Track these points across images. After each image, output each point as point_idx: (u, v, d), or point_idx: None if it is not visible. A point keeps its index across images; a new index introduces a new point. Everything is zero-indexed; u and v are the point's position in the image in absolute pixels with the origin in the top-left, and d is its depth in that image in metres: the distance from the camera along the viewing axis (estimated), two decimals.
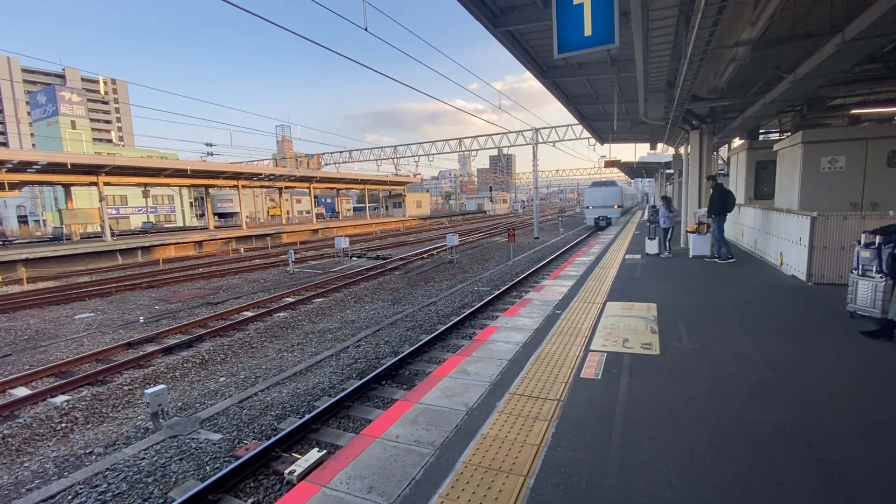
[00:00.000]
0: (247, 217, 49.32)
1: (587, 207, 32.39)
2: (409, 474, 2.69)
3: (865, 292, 5.10)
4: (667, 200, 11.88)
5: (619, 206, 31.32)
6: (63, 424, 6.07)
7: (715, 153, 17.07)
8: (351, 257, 21.54)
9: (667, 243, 11.25)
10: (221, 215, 60.30)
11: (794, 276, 7.70)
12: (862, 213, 7.16)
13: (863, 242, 5.15)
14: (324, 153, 57.23)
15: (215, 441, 5.39)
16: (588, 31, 4.85)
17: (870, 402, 3.37)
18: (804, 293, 6.77)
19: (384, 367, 7.02)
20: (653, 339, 4.87)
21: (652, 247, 11.45)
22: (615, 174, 51.12)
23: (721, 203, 9.88)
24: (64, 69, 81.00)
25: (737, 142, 16.68)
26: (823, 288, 6.89)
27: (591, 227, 31.62)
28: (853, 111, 11.71)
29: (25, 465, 5.21)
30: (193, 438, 5.46)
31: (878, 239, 4.93)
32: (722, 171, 18.16)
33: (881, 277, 4.90)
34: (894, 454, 2.69)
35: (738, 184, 14.10)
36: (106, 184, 26.25)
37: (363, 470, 2.76)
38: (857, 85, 9.67)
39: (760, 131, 15.13)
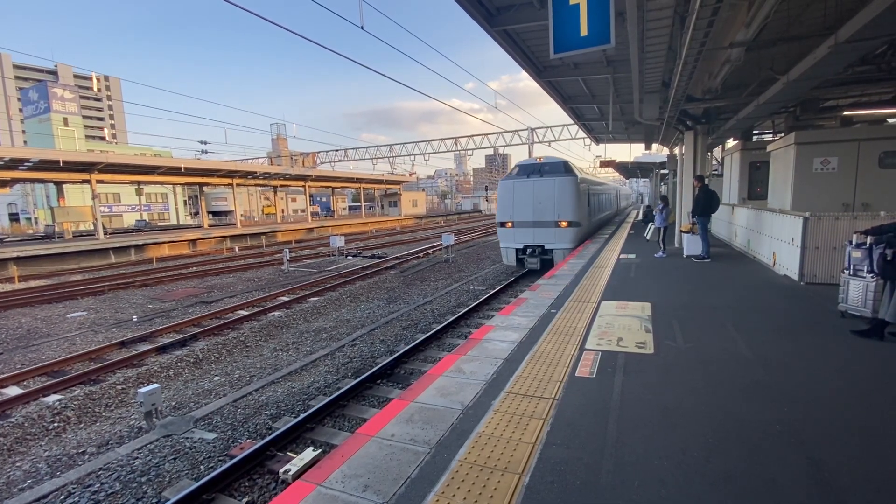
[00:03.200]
0: (241, 215, 49.08)
1: (501, 225, 14.37)
2: (404, 473, 2.69)
3: (856, 292, 5.15)
4: (664, 200, 11.99)
5: (570, 223, 13.32)
6: (55, 424, 6.03)
7: (709, 154, 17.18)
8: (346, 256, 21.49)
9: (661, 243, 11.32)
10: (216, 214, 59.96)
11: (787, 276, 7.76)
12: (853, 214, 7.23)
13: (854, 243, 5.20)
14: (319, 152, 57.05)
15: (209, 440, 5.37)
16: (584, 32, 4.87)
17: (861, 400, 3.41)
18: (796, 293, 6.83)
19: (379, 366, 7.02)
20: (647, 338, 4.90)
21: (649, 233, 12.07)
22: (611, 174, 49.23)
23: (705, 204, 9.98)
24: (56, 66, 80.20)
25: (731, 142, 16.79)
26: (815, 288, 6.95)
27: (514, 267, 14.84)
28: (846, 113, 11.83)
29: (17, 464, 5.17)
30: (187, 438, 5.44)
31: (869, 239, 4.98)
32: (716, 172, 18.27)
33: (872, 277, 4.95)
34: (885, 453, 2.72)
35: (731, 184, 14.20)
36: (99, 181, 26.04)
37: (359, 469, 2.76)
38: (850, 87, 9.77)
39: (754, 132, 15.24)
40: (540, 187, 13.44)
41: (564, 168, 13.62)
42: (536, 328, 5.46)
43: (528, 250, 13.75)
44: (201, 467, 4.86)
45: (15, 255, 20.19)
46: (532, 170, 13.89)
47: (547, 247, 13.48)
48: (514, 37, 9.01)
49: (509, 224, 13.95)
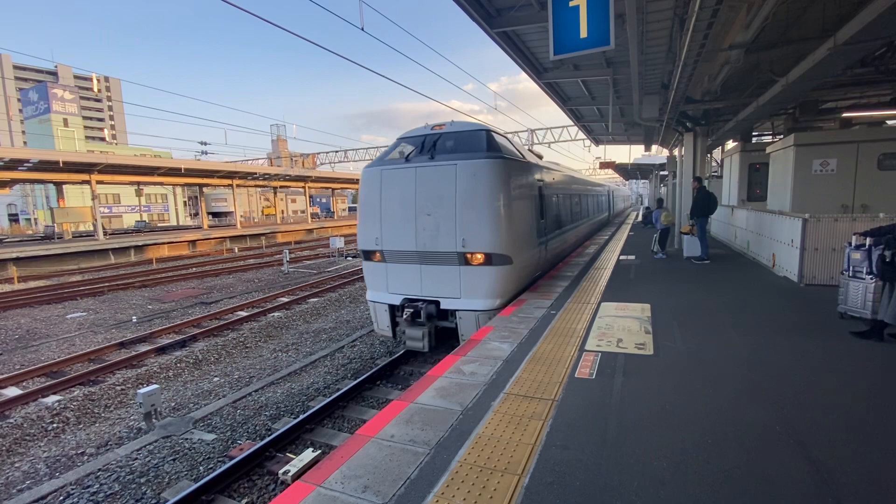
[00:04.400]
0: (241, 216, 49.07)
1: (366, 256, 7.45)
2: (404, 473, 2.69)
3: (856, 293, 5.16)
4: (659, 202, 12.02)
5: (491, 257, 6.50)
6: (54, 425, 6.03)
7: (709, 155, 17.20)
8: (346, 257, 21.50)
9: (658, 244, 11.33)
10: (215, 214, 59.99)
11: (786, 278, 7.77)
12: (853, 216, 7.24)
13: (853, 244, 5.21)
14: (319, 153, 56.97)
15: (209, 441, 5.37)
16: (584, 33, 4.88)
17: (859, 401, 3.41)
18: (796, 294, 6.84)
19: (379, 366, 7.02)
20: (647, 339, 4.90)
21: (655, 244, 11.65)
22: (610, 175, 48.88)
23: (703, 205, 10.00)
24: (56, 66, 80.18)
25: (730, 144, 16.81)
26: (815, 289, 6.96)
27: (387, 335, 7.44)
28: (845, 114, 11.84)
29: (16, 465, 5.16)
30: (187, 439, 5.43)
31: (868, 241, 4.99)
32: (715, 173, 18.29)
33: (871, 279, 4.95)
34: (883, 453, 2.73)
35: (730, 186, 14.21)
36: (98, 182, 26.05)
37: (358, 469, 2.76)
38: (849, 88, 9.79)
39: (753, 134, 15.26)
40: (430, 181, 6.72)
41: (486, 143, 6.81)
42: (536, 329, 5.46)
43: (408, 311, 6.83)
44: (201, 468, 4.86)
45: (14, 255, 20.18)
46: (420, 146, 7.11)
47: (445, 305, 6.82)
48: (514, 38, 9.02)
49: (377, 256, 7.25)
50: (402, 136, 7.68)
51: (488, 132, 7.09)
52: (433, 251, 6.70)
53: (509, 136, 8.89)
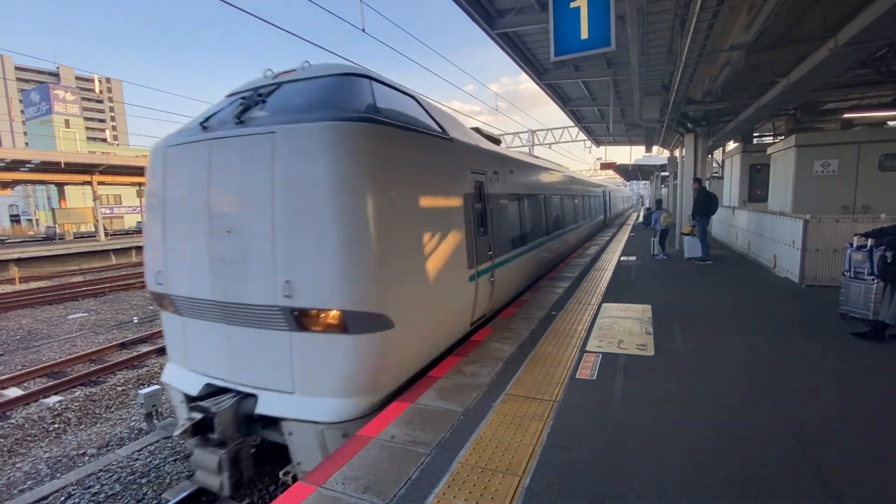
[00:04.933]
0: None
1: (157, 301, 4.43)
2: (404, 474, 2.69)
3: (857, 294, 5.16)
4: (657, 203, 12.02)
5: (351, 318, 3.30)
6: (56, 425, 6.03)
7: (709, 156, 17.20)
8: None
9: (658, 245, 11.32)
10: None
11: (787, 279, 7.76)
12: (854, 216, 7.23)
13: (855, 245, 5.21)
14: None
15: None
16: (585, 35, 4.89)
17: (860, 402, 3.41)
18: (797, 295, 6.83)
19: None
20: (647, 339, 4.90)
21: (655, 247, 11.52)
22: (610, 176, 48.87)
23: (704, 205, 10.00)
24: (58, 67, 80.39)
25: (731, 145, 16.81)
26: (816, 290, 6.95)
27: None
28: (846, 115, 11.84)
29: (17, 465, 5.17)
30: None
31: (869, 242, 4.99)
32: (716, 174, 18.28)
33: (872, 280, 4.95)
34: (884, 453, 2.73)
35: (731, 187, 14.20)
36: (100, 183, 26.11)
37: (359, 470, 2.76)
38: (850, 89, 9.79)
39: (754, 134, 15.25)
40: (230, 167, 3.60)
41: (355, 97, 3.81)
42: (537, 330, 5.46)
43: (192, 416, 3.58)
44: None
45: (16, 256, 20.21)
46: (244, 105, 3.87)
47: (264, 406, 3.61)
48: (514, 39, 9.04)
49: (167, 303, 4.21)
50: (233, 90, 4.58)
51: (369, 80, 4.17)
52: (238, 303, 3.61)
53: (510, 136, 8.30)
